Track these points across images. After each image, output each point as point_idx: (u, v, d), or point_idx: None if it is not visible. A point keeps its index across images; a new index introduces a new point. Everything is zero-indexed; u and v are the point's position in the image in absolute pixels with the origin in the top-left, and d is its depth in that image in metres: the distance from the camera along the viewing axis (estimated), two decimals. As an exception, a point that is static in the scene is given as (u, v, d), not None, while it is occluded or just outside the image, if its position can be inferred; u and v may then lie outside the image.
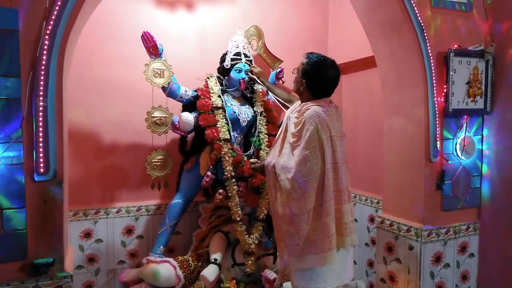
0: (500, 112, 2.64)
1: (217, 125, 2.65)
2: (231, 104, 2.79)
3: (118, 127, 2.92)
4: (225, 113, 2.71)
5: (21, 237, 1.77)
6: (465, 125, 2.64)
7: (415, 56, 2.48)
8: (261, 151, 2.78)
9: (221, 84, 2.83)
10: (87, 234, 2.84)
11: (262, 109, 2.88)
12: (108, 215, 2.89)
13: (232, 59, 2.80)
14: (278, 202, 1.94)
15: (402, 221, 2.62)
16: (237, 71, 2.79)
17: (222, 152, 2.63)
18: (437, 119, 2.51)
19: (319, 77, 2.00)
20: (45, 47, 1.76)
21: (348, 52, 3.30)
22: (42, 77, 1.76)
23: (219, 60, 2.89)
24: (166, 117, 2.63)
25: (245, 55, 2.84)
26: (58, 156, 1.82)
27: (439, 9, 2.54)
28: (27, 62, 1.75)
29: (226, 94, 2.83)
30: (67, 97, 2.08)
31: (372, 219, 3.22)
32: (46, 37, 1.76)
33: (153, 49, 2.51)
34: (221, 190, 2.65)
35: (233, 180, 2.64)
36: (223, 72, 2.84)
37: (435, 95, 2.51)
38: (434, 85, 2.50)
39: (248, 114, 2.81)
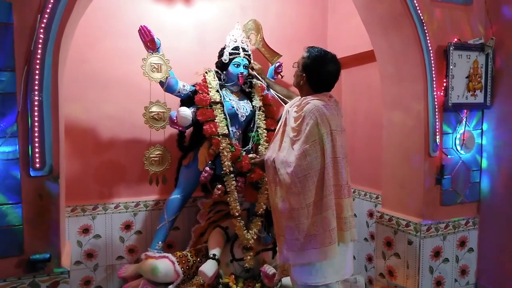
0: (500, 106, 2.63)
1: (216, 120, 2.63)
2: (230, 99, 2.77)
3: (116, 122, 2.90)
4: (223, 108, 2.69)
5: (17, 233, 1.76)
6: (464, 119, 2.63)
7: (415, 50, 2.46)
8: (259, 146, 2.77)
9: (220, 79, 2.81)
10: (85, 230, 2.83)
11: (261, 104, 2.86)
12: (106, 211, 2.88)
13: (230, 54, 2.78)
14: (278, 196, 1.93)
15: (401, 216, 2.62)
16: (236, 65, 2.77)
17: (221, 147, 2.61)
18: (436, 113, 2.50)
19: (320, 72, 1.99)
20: (40, 40, 1.74)
21: (348, 46, 3.28)
22: (37, 71, 1.74)
23: (217, 54, 2.87)
24: (164, 112, 2.62)
25: (244, 49, 2.81)
26: (54, 151, 1.80)
27: (438, 2, 2.53)
28: (22, 56, 1.73)
29: (224, 88, 2.81)
30: (64, 92, 2.07)
31: (371, 214, 3.21)
32: (41, 30, 1.74)
33: (150, 43, 2.49)
34: (219, 186, 2.64)
35: (232, 175, 2.63)
36: (221, 66, 2.82)
37: (435, 89, 2.49)
38: (434, 79, 2.49)
39: (246, 109, 2.80)
